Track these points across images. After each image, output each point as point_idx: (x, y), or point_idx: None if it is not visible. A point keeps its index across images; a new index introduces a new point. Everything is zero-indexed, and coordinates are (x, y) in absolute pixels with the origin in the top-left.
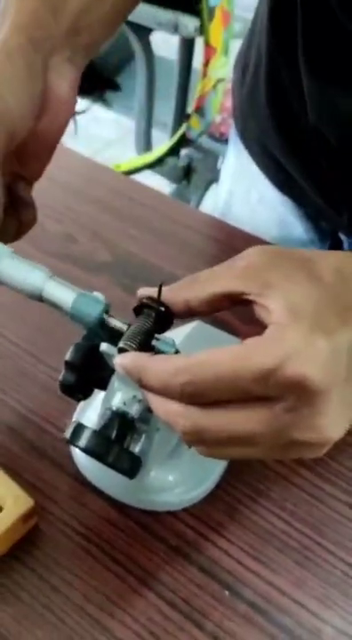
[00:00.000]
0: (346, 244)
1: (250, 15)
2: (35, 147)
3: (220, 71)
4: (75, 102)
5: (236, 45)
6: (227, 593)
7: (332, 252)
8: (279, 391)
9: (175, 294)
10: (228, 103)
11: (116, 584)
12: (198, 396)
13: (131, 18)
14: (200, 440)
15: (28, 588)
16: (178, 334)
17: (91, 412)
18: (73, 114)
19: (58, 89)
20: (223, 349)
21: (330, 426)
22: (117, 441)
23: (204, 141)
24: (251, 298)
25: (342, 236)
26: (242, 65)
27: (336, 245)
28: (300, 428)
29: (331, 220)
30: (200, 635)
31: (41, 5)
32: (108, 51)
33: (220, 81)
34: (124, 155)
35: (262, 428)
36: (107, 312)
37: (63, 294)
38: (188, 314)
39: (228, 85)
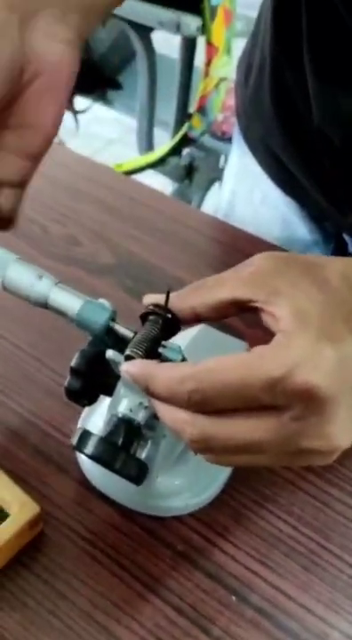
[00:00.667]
0: (350, 246)
1: (252, 13)
2: (33, 115)
3: (222, 70)
4: (73, 62)
5: (238, 44)
6: (233, 598)
7: (339, 258)
8: (287, 400)
9: (181, 301)
10: (231, 102)
11: (122, 590)
12: (205, 404)
13: (132, 17)
14: (207, 448)
15: (34, 594)
16: (183, 338)
17: (96, 418)
18: (73, 73)
19: (47, 49)
20: (230, 357)
21: (338, 434)
22: (124, 448)
23: (206, 140)
24: (258, 305)
25: (347, 238)
26: (245, 65)
27: (340, 247)
28: (308, 436)
29: (334, 220)
30: None
31: None
32: (109, 49)
33: (222, 80)
34: (126, 154)
35: (270, 437)
36: (113, 319)
37: (69, 302)
38: (195, 320)
39: (230, 84)
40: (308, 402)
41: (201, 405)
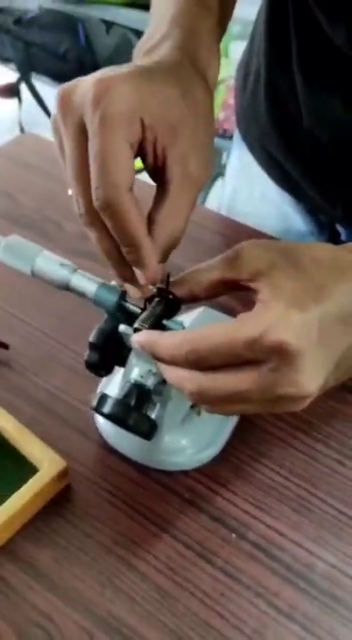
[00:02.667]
0: (343, 235)
1: (247, 15)
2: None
3: (220, 72)
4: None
5: (236, 46)
6: (233, 535)
7: (310, 244)
8: (264, 355)
9: (181, 283)
10: (231, 101)
11: (138, 530)
12: (200, 361)
13: (133, 24)
14: (204, 399)
15: (64, 534)
16: (187, 318)
17: (112, 388)
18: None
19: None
20: (219, 324)
21: (306, 382)
22: (136, 408)
23: None
24: (243, 283)
25: (339, 228)
26: (243, 72)
27: (334, 236)
28: (282, 384)
29: (327, 213)
30: (211, 569)
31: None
32: (113, 54)
33: (220, 81)
34: None
35: (253, 386)
36: (123, 298)
37: (87, 284)
38: (192, 299)
39: (229, 83)
40: (280, 355)
41: (196, 363)
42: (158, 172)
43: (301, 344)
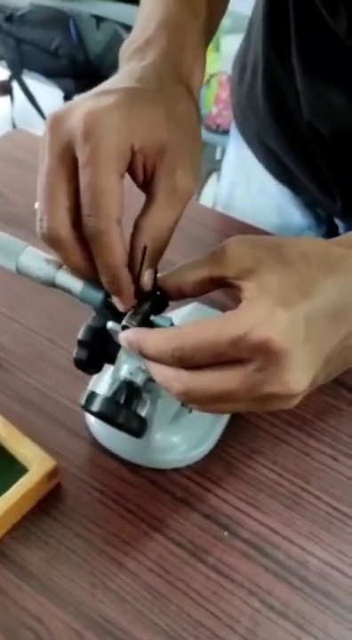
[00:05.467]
0: (341, 229)
1: (240, 9)
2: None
3: (212, 67)
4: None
5: (226, 40)
6: (225, 533)
7: (298, 239)
8: (250, 353)
9: (169, 280)
10: (224, 95)
11: (129, 529)
12: (186, 359)
13: (124, 19)
14: (191, 399)
15: (54, 534)
16: (179, 314)
17: (102, 386)
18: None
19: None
20: (205, 321)
21: (293, 380)
22: (125, 405)
23: (202, 133)
24: (230, 281)
25: (338, 222)
26: (240, 66)
27: (332, 230)
28: (269, 383)
29: (326, 207)
30: (203, 568)
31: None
32: (104, 50)
33: (212, 76)
34: None
35: (239, 386)
36: (109, 295)
37: (73, 281)
38: (180, 296)
39: (221, 78)
40: (266, 354)
41: (182, 361)
42: (146, 184)
43: (288, 342)
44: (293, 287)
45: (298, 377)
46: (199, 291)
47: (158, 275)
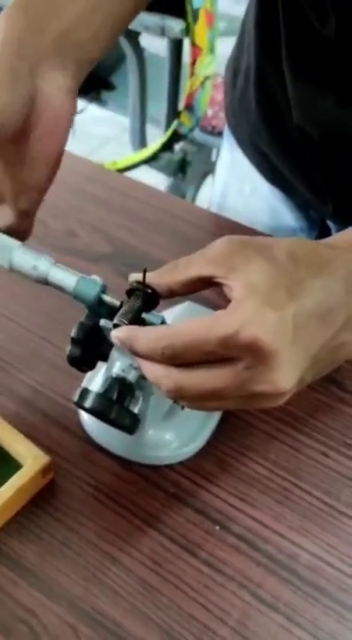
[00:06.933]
0: (334, 231)
1: (234, 11)
2: (38, 152)
3: (206, 69)
4: (72, 107)
5: (222, 42)
6: (217, 528)
7: (287, 239)
8: (238, 352)
9: (159, 279)
10: (219, 97)
11: (123, 524)
12: (176, 357)
13: None
14: (181, 396)
15: (48, 529)
16: (171, 312)
17: (95, 383)
18: (72, 116)
19: (50, 94)
20: (196, 320)
21: (281, 379)
22: (118, 401)
23: (198, 135)
24: (219, 280)
25: (330, 224)
26: (233, 69)
27: (324, 232)
28: (257, 381)
29: (317, 209)
30: (195, 562)
31: (25, 27)
32: None
33: (207, 78)
34: (121, 151)
35: (228, 384)
36: (103, 291)
37: (66, 278)
38: (171, 295)
39: (216, 80)
40: (254, 353)
41: (173, 359)
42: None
43: (276, 342)
44: (282, 287)
45: (285, 376)
46: (189, 289)
47: (148, 273)
